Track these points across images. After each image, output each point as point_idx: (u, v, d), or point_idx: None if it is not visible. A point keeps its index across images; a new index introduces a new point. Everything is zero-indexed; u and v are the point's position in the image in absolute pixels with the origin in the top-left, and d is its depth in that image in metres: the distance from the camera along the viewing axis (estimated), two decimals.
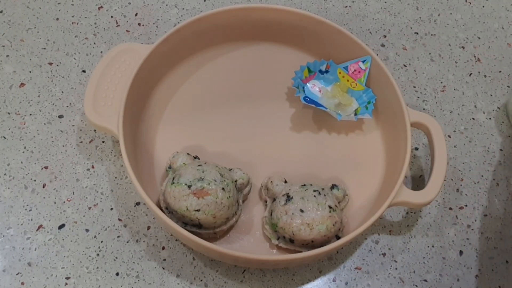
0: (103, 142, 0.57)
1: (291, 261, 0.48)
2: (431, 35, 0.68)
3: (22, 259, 0.51)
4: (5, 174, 0.54)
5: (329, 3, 0.70)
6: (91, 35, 0.64)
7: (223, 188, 0.49)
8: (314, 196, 0.50)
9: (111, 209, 0.54)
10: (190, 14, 0.67)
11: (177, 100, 0.59)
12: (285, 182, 0.53)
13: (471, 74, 0.66)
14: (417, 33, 0.68)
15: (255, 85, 0.61)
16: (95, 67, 0.54)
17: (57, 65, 0.61)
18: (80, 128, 0.58)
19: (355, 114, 0.58)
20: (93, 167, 0.56)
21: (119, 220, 0.53)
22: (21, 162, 0.55)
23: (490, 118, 0.63)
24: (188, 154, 0.53)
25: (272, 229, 0.51)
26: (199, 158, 0.54)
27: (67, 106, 0.59)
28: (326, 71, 0.60)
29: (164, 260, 0.52)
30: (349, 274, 0.53)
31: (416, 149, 0.60)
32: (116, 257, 0.51)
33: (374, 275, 0.53)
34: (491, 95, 0.64)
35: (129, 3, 0.67)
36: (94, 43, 0.63)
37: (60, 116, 0.58)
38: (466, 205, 0.58)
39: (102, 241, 0.52)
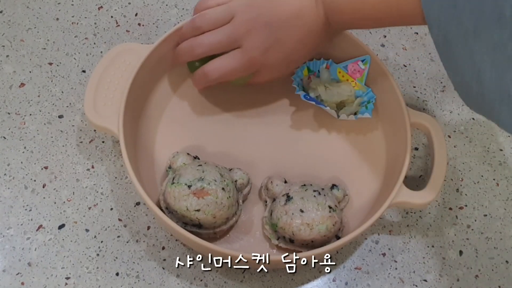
0: (103, 142, 0.57)
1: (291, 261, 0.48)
2: None
3: (22, 259, 0.51)
4: (5, 174, 0.54)
5: None
6: (91, 35, 0.64)
7: (223, 188, 0.49)
8: (314, 196, 0.50)
9: (111, 209, 0.54)
10: (190, 14, 0.67)
11: (177, 100, 0.59)
12: (285, 182, 0.53)
13: None
14: (417, 33, 0.68)
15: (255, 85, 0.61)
16: (95, 67, 0.54)
17: (57, 65, 0.61)
18: (80, 128, 0.58)
19: (355, 114, 0.58)
20: (93, 167, 0.56)
21: (119, 220, 0.53)
22: (21, 162, 0.55)
23: None
24: (188, 154, 0.53)
25: (272, 229, 0.51)
26: (199, 158, 0.54)
27: (67, 106, 0.59)
28: None
29: (164, 260, 0.52)
30: (349, 274, 0.53)
31: (416, 149, 0.60)
32: (116, 257, 0.51)
33: (374, 275, 0.53)
34: None
35: (129, 3, 0.67)
36: (94, 43, 0.63)
37: (60, 116, 0.58)
38: (466, 205, 0.58)
39: (102, 241, 0.52)
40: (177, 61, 0.56)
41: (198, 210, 0.48)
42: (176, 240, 0.53)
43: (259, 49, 0.51)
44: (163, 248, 0.52)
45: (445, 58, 0.42)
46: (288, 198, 0.50)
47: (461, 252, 0.55)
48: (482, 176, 0.59)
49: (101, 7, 0.66)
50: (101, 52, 0.63)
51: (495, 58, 0.37)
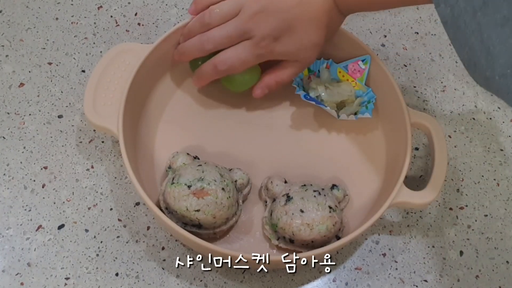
0: (102, 142, 0.57)
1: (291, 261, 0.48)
2: (432, 34, 0.68)
3: (22, 260, 0.51)
4: (4, 174, 0.54)
5: None
6: (91, 35, 0.64)
7: (223, 188, 0.49)
8: (314, 196, 0.50)
9: (111, 209, 0.54)
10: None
11: (177, 100, 0.59)
12: (285, 182, 0.53)
13: None
14: (417, 33, 0.68)
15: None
16: (94, 67, 0.54)
17: (57, 65, 0.61)
18: (79, 128, 0.58)
19: (355, 114, 0.58)
20: (92, 167, 0.55)
21: (119, 220, 0.53)
22: (21, 162, 0.55)
23: (490, 118, 0.63)
24: (188, 154, 0.53)
25: (272, 229, 0.51)
26: (199, 158, 0.54)
27: (67, 106, 0.59)
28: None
29: (164, 260, 0.52)
30: (349, 274, 0.53)
31: (417, 149, 0.60)
32: (116, 258, 0.51)
33: (374, 275, 0.53)
34: (492, 95, 0.64)
35: (129, 3, 0.66)
36: (94, 43, 0.63)
37: (60, 116, 0.58)
38: (466, 205, 0.57)
39: (101, 242, 0.52)
40: (182, 59, 0.56)
41: (198, 210, 0.48)
42: (176, 240, 0.53)
43: (270, 37, 0.51)
44: (163, 248, 0.52)
45: (452, 34, 0.42)
46: (288, 198, 0.50)
47: (461, 253, 0.55)
48: (482, 176, 0.59)
49: (101, 6, 0.66)
50: (101, 52, 0.62)
51: (503, 33, 0.37)
